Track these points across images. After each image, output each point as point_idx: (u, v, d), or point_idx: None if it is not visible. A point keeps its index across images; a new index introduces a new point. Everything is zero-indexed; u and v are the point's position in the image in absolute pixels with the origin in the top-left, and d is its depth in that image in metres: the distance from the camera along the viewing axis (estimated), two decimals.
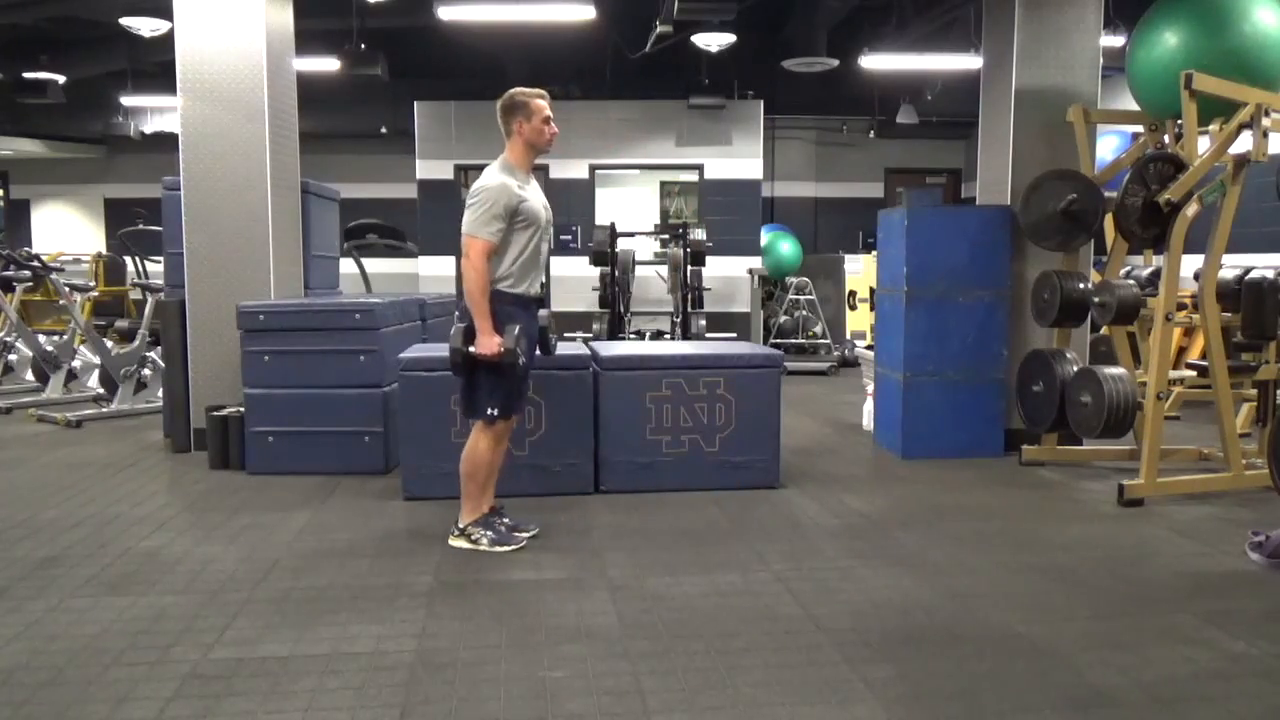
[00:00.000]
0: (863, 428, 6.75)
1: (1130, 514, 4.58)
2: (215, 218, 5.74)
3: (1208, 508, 4.67)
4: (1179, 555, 3.95)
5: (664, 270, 10.13)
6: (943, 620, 3.22)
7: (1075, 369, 5.24)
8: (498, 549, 3.89)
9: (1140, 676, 2.78)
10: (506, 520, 4.06)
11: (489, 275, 3.75)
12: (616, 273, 8.74)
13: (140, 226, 10.63)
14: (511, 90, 3.92)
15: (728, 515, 4.48)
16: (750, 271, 10.46)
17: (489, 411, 3.86)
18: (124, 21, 8.63)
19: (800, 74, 9.93)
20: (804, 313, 10.66)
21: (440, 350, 5.20)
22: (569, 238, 11.06)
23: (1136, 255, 6.50)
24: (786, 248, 11.83)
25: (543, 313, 4.09)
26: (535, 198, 3.90)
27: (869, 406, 6.63)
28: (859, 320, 11.05)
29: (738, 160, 11.14)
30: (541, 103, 3.87)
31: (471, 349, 3.74)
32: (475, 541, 3.92)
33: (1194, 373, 6.35)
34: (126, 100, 11.57)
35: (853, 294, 11.14)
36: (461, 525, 3.96)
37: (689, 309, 8.79)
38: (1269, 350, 5.59)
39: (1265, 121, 4.71)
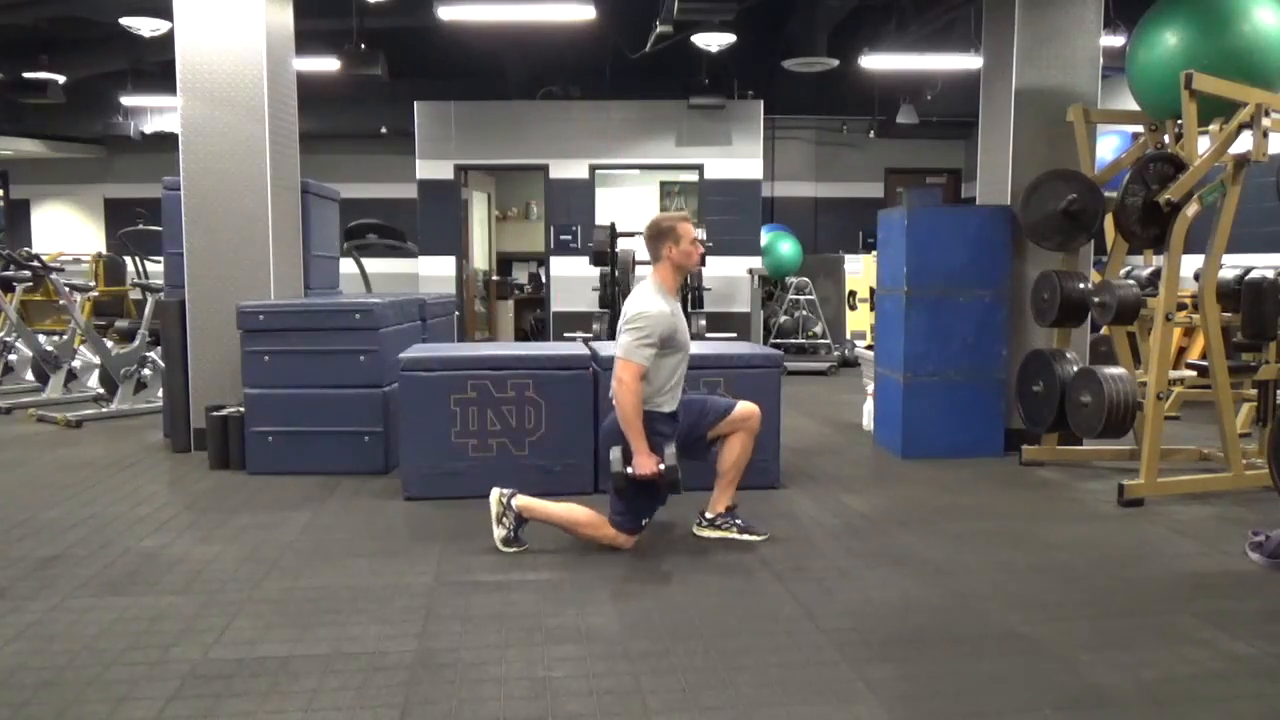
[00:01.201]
0: (863, 428, 6.75)
1: (1130, 514, 4.58)
2: (215, 218, 5.74)
3: (1208, 508, 4.67)
4: (1179, 555, 3.95)
5: None
6: (943, 620, 3.22)
7: (1075, 369, 5.24)
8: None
9: (1140, 676, 2.78)
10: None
11: (642, 397, 3.76)
12: (616, 273, 8.74)
13: (140, 226, 10.62)
14: (655, 217, 4.00)
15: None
16: (750, 271, 10.46)
17: (643, 522, 3.92)
18: (124, 21, 8.62)
19: (800, 74, 9.92)
20: (804, 313, 10.66)
21: (440, 350, 5.23)
22: (569, 238, 11.06)
23: (1136, 255, 6.49)
24: (786, 248, 11.83)
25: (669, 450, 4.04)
26: (682, 322, 3.95)
27: (869, 406, 6.63)
28: (859, 320, 11.05)
29: (738, 160, 11.14)
30: (688, 226, 3.94)
31: (630, 470, 3.74)
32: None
33: (1194, 373, 6.35)
34: (126, 100, 11.56)
35: (853, 294, 11.14)
36: (513, 501, 3.94)
37: (689, 309, 8.79)
38: (1269, 350, 5.59)
39: (1265, 121, 4.71)
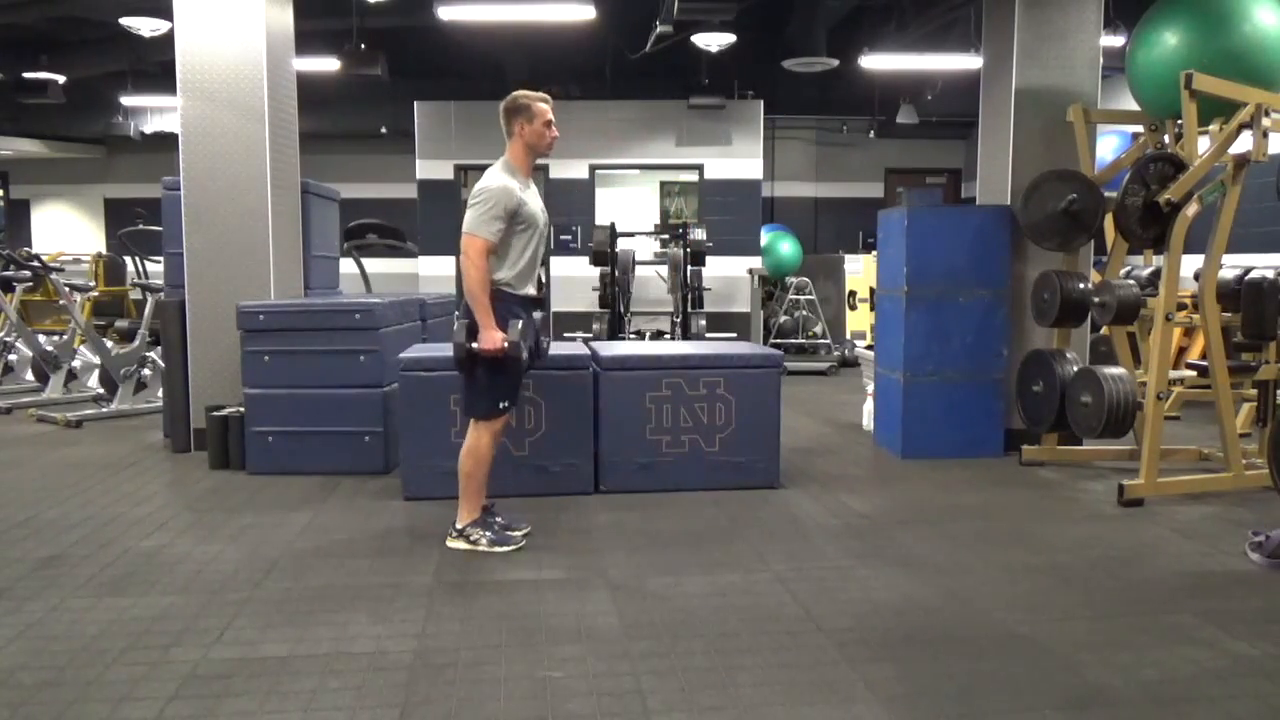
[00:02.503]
0: (863, 428, 6.75)
1: (1130, 514, 4.58)
2: (215, 218, 5.74)
3: (1208, 508, 4.67)
4: (1179, 555, 3.95)
5: (664, 270, 10.14)
6: (943, 620, 3.22)
7: (1075, 369, 5.25)
8: (497, 549, 3.90)
9: (1140, 676, 2.78)
10: (499, 519, 4.06)
11: (489, 274, 3.77)
12: (616, 273, 8.75)
13: (140, 226, 10.62)
14: (514, 93, 3.95)
15: (728, 515, 4.48)
16: (750, 271, 10.46)
17: (500, 405, 3.89)
18: (124, 21, 8.63)
19: (800, 74, 9.93)
20: (804, 313, 10.66)
21: (440, 350, 5.21)
22: (569, 238, 11.07)
23: (1136, 255, 6.50)
24: (786, 248, 11.83)
25: (538, 314, 4.10)
26: (534, 200, 3.95)
27: (869, 406, 6.63)
28: (859, 320, 11.05)
29: (738, 160, 11.14)
30: (544, 106, 3.91)
31: (474, 345, 3.76)
32: (474, 542, 3.92)
33: (1194, 373, 6.35)
34: (126, 100, 11.57)
35: (853, 294, 11.14)
36: (459, 526, 3.96)
37: (689, 309, 8.79)
38: (1269, 350, 5.59)
39: (1265, 121, 4.71)
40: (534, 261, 3.95)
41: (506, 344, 3.74)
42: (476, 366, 3.82)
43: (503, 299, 3.82)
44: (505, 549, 3.91)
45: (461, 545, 3.93)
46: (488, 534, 3.94)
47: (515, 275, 3.87)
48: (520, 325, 3.80)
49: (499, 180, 3.81)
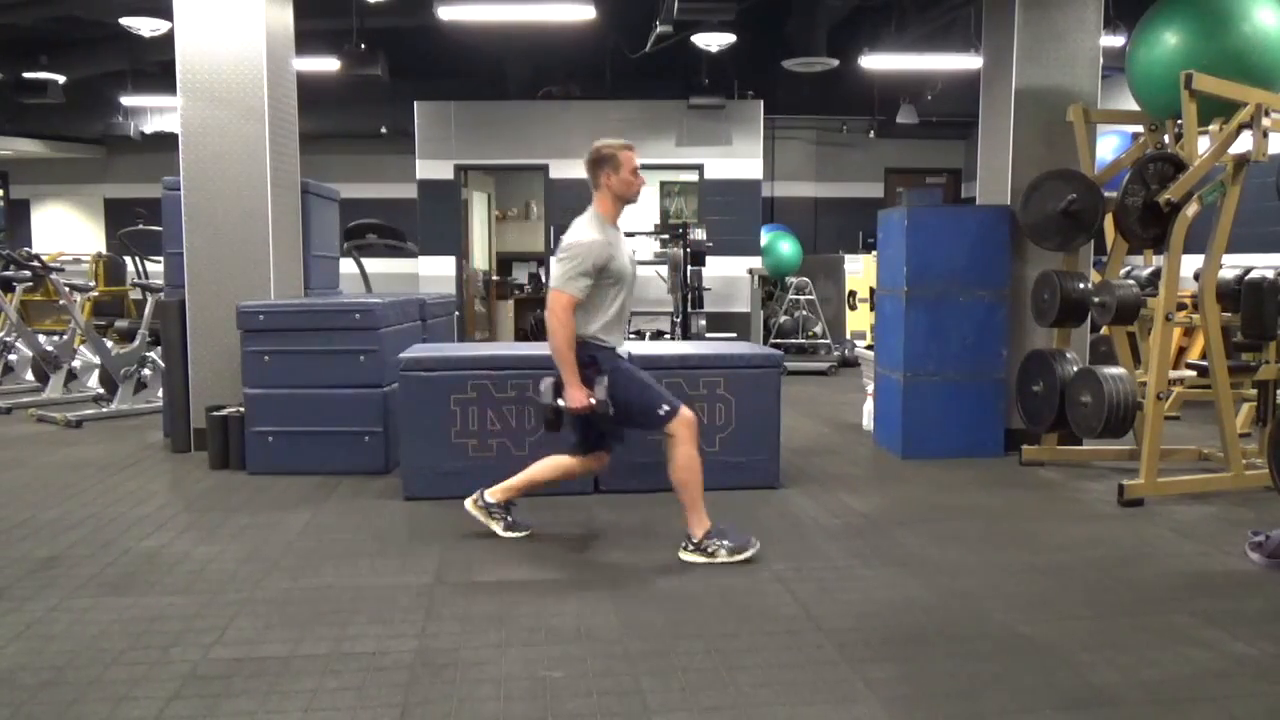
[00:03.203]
0: (863, 428, 6.75)
1: (1130, 514, 4.58)
2: (215, 218, 5.74)
3: (1208, 508, 4.67)
4: (1179, 555, 3.95)
5: (664, 270, 10.14)
6: (943, 620, 3.22)
7: (1075, 369, 5.24)
8: (735, 559, 3.74)
9: (1140, 676, 2.78)
10: (510, 517, 4.09)
11: (574, 330, 3.71)
12: None
13: (140, 226, 10.62)
14: (597, 143, 3.90)
15: (728, 515, 4.47)
16: (750, 271, 10.46)
17: (660, 412, 3.73)
18: (124, 21, 8.62)
19: (800, 74, 9.92)
20: (804, 313, 10.66)
21: (440, 350, 5.23)
22: None
23: (1136, 255, 6.50)
24: (786, 248, 11.83)
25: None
26: (623, 253, 3.86)
27: (869, 406, 6.63)
28: (859, 320, 11.06)
29: (738, 160, 11.14)
30: (629, 154, 3.87)
31: (561, 402, 3.73)
32: (712, 554, 3.75)
33: (1194, 373, 6.35)
34: (126, 100, 11.56)
35: (853, 294, 11.14)
36: (696, 540, 3.78)
37: (689, 309, 8.79)
38: (1269, 350, 5.58)
39: (1265, 121, 4.71)
40: (622, 314, 3.89)
41: (594, 401, 3.69)
42: (565, 422, 3.79)
43: (588, 348, 3.75)
44: (742, 556, 3.75)
45: (698, 559, 3.76)
46: (726, 543, 3.78)
47: (602, 328, 3.80)
48: (607, 382, 3.73)
49: (589, 234, 3.75)
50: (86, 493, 4.87)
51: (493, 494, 4.07)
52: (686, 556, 3.79)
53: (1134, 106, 5.61)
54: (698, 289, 9.11)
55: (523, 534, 4.09)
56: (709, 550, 3.77)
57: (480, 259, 12.49)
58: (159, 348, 6.89)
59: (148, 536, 4.12)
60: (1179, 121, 4.99)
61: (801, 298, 10.61)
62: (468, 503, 4.10)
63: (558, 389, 3.75)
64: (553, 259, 3.79)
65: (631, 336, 9.38)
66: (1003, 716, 2.56)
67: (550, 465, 4.04)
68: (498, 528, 4.05)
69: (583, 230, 3.79)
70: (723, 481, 4.87)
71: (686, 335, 8.62)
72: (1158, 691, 2.69)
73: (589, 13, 7.91)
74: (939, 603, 3.39)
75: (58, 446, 6.11)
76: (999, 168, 6.05)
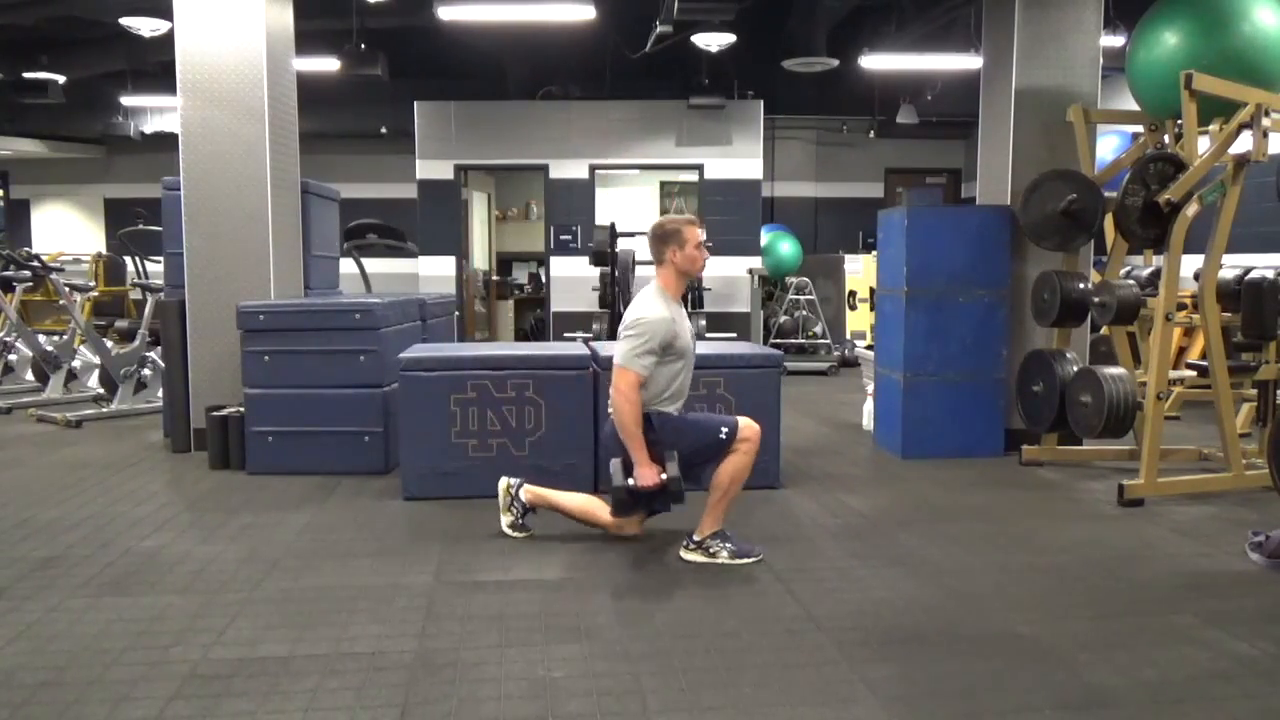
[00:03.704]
0: (863, 428, 6.75)
1: (1130, 514, 4.58)
2: (215, 218, 5.74)
3: (1208, 508, 4.67)
4: (1179, 555, 3.95)
5: None
6: (943, 620, 3.22)
7: (1075, 369, 5.25)
8: (737, 561, 3.76)
9: (1140, 676, 2.78)
10: (525, 520, 4.12)
11: (641, 408, 3.70)
12: (616, 273, 8.74)
13: (140, 226, 10.62)
14: (660, 219, 3.90)
15: (727, 515, 4.47)
16: (750, 271, 10.46)
17: (721, 437, 3.75)
18: (124, 21, 8.62)
19: (800, 74, 9.92)
20: (804, 313, 10.66)
21: (440, 350, 5.23)
22: (569, 238, 11.06)
23: (1136, 255, 6.50)
24: (786, 248, 11.83)
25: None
26: (685, 329, 3.86)
27: (869, 406, 6.63)
28: (859, 320, 11.06)
29: (738, 160, 11.14)
30: (695, 230, 3.83)
31: (632, 482, 3.71)
32: (713, 554, 3.78)
33: (1194, 373, 6.35)
34: (126, 100, 11.56)
35: (853, 294, 11.14)
36: (699, 539, 3.81)
37: (689, 309, 8.79)
38: (1269, 350, 5.59)
39: (1265, 121, 4.71)
40: (683, 390, 3.88)
41: (666, 478, 3.67)
42: (637, 501, 3.78)
43: (653, 418, 3.74)
44: (745, 561, 3.77)
45: (698, 558, 3.79)
46: (728, 546, 3.80)
47: (664, 400, 3.80)
48: (677, 458, 3.70)
49: (656, 311, 3.72)
50: (86, 493, 4.87)
51: (528, 493, 4.06)
52: (687, 555, 3.81)
53: (1134, 106, 5.61)
54: (698, 289, 9.11)
55: (523, 535, 4.09)
56: (710, 550, 3.78)
57: (480, 259, 12.49)
58: (159, 348, 6.89)
59: (148, 536, 4.12)
60: (1179, 121, 4.99)
61: (801, 298, 10.61)
62: (504, 480, 4.10)
63: (627, 469, 3.72)
64: (620, 335, 3.77)
65: None
66: (1002, 716, 2.56)
67: (593, 506, 4.00)
68: (505, 519, 4.06)
69: (649, 306, 3.74)
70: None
71: None
72: (1157, 691, 2.69)
73: (589, 13, 7.90)
74: (939, 603, 3.39)
75: (58, 446, 6.11)
76: (999, 168, 6.05)
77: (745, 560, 3.77)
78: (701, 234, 3.86)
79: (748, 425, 3.82)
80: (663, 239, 3.82)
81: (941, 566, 3.78)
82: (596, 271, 9.07)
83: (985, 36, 6.36)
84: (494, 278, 12.78)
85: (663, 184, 13.07)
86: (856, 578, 3.64)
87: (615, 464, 3.78)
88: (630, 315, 3.76)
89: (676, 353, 3.77)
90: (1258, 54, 4.91)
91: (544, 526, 4.22)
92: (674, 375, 3.80)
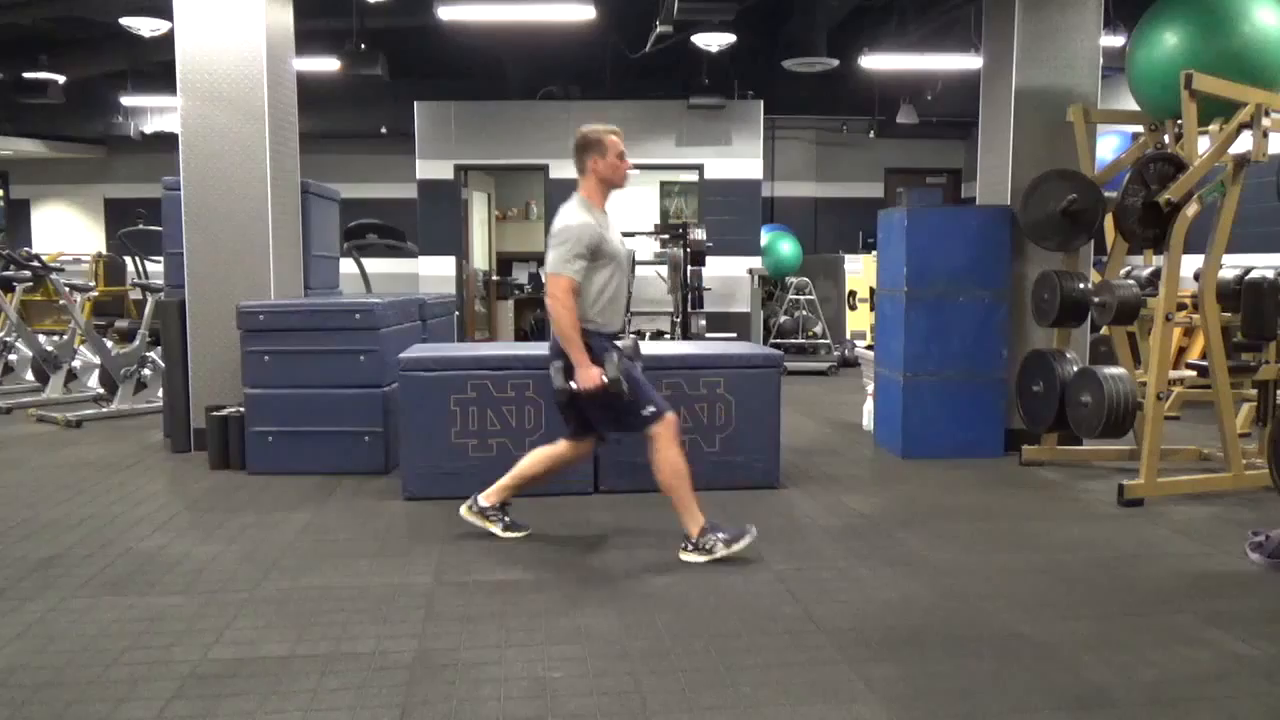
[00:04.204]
0: (863, 428, 6.75)
1: (1130, 514, 4.58)
2: (215, 218, 5.74)
3: (1208, 508, 4.67)
4: (1179, 555, 3.95)
5: (664, 270, 10.14)
6: (943, 620, 3.22)
7: (1075, 369, 5.25)
8: (735, 547, 3.77)
9: (1140, 676, 2.78)
10: (508, 517, 4.10)
11: (577, 312, 3.73)
12: None
13: (140, 226, 10.62)
14: (582, 128, 3.90)
15: (728, 515, 4.46)
16: (750, 271, 10.46)
17: (645, 413, 3.77)
18: (124, 21, 8.62)
19: (800, 74, 9.91)
20: (804, 313, 10.66)
21: (440, 350, 5.23)
22: None
23: (1136, 255, 6.49)
24: (786, 248, 11.83)
25: (626, 341, 4.02)
26: (614, 234, 3.89)
27: (869, 406, 6.63)
28: (859, 320, 11.05)
29: (738, 160, 11.13)
30: (614, 139, 3.86)
31: (573, 385, 3.73)
32: (710, 549, 3.77)
33: (1194, 373, 6.35)
34: (126, 100, 11.57)
35: (853, 294, 11.14)
36: (694, 540, 3.80)
37: (689, 309, 8.79)
38: (1269, 350, 5.59)
39: (1265, 121, 4.71)
40: (618, 296, 3.90)
41: (606, 379, 3.69)
42: (581, 403, 3.79)
43: (589, 336, 3.77)
44: (741, 544, 3.78)
45: (698, 558, 3.77)
46: (721, 535, 3.80)
47: (599, 311, 3.82)
48: (616, 358, 3.74)
49: (577, 218, 3.77)
50: (86, 493, 4.87)
51: (486, 497, 4.09)
52: (687, 557, 3.80)
53: (1134, 106, 5.61)
54: (698, 289, 9.11)
55: (522, 534, 4.10)
56: (707, 547, 3.78)
57: (480, 259, 12.48)
58: (159, 348, 6.88)
59: (148, 536, 4.12)
60: (1179, 121, 4.99)
61: (801, 298, 10.61)
62: (463, 510, 4.12)
63: (568, 372, 3.76)
64: (547, 248, 3.81)
65: (631, 336, 9.37)
66: (1002, 716, 2.56)
67: (538, 457, 4.05)
68: (496, 529, 4.06)
69: (572, 215, 3.81)
70: (723, 481, 4.88)
71: (686, 335, 8.62)
72: (1157, 691, 2.69)
73: (589, 13, 7.90)
74: (939, 603, 3.39)
75: (58, 446, 6.11)
76: (999, 168, 6.05)
77: (742, 542, 3.80)
78: (621, 144, 3.87)
79: (672, 415, 3.84)
80: (584, 148, 3.86)
81: (941, 566, 3.78)
82: None
83: (985, 36, 6.36)
84: (494, 278, 12.77)
85: (663, 184, 13.06)
86: (856, 578, 3.64)
87: (555, 366, 3.80)
88: (555, 226, 3.81)
89: (606, 256, 3.80)
90: (1258, 54, 4.91)
91: (543, 527, 4.22)
92: (606, 280, 3.83)
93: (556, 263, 3.72)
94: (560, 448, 4.05)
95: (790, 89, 11.72)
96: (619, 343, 3.94)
